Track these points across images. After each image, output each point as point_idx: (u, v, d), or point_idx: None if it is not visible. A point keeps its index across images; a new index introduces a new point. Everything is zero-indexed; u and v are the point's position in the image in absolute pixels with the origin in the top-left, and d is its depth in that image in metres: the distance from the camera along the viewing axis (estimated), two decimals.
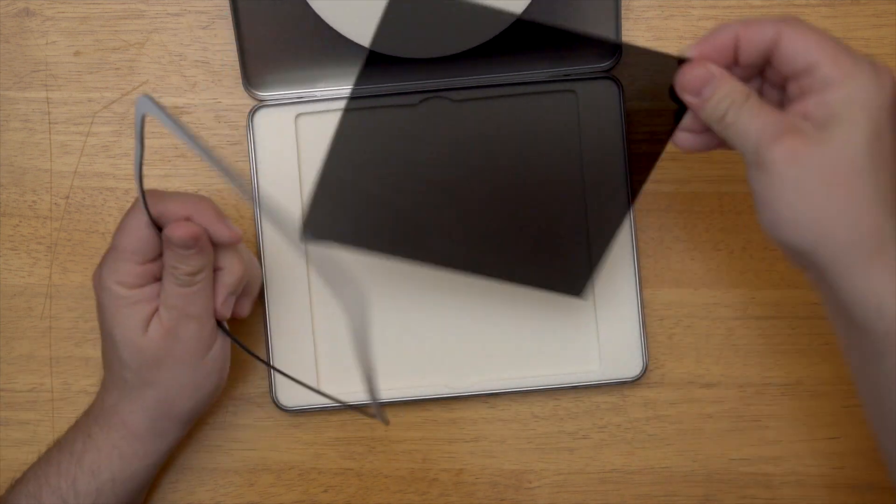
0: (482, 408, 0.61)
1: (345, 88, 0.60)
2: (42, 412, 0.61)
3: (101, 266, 0.53)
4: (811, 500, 0.61)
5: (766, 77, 0.49)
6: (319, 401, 0.60)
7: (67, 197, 0.61)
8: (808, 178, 0.45)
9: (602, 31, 0.58)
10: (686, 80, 0.47)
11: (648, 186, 0.60)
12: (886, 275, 0.44)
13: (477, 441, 0.61)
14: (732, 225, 0.61)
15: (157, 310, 0.53)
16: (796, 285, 0.61)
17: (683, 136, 0.50)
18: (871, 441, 0.60)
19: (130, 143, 0.61)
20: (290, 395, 0.60)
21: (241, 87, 0.60)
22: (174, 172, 0.61)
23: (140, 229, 0.52)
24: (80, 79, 0.61)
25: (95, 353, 0.61)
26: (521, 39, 0.58)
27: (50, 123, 0.61)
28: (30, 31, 0.60)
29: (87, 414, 0.56)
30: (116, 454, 0.55)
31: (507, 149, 0.59)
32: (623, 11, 0.59)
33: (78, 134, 0.61)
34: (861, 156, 0.44)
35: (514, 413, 0.61)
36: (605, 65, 0.60)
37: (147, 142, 0.61)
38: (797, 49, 0.45)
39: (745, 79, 0.48)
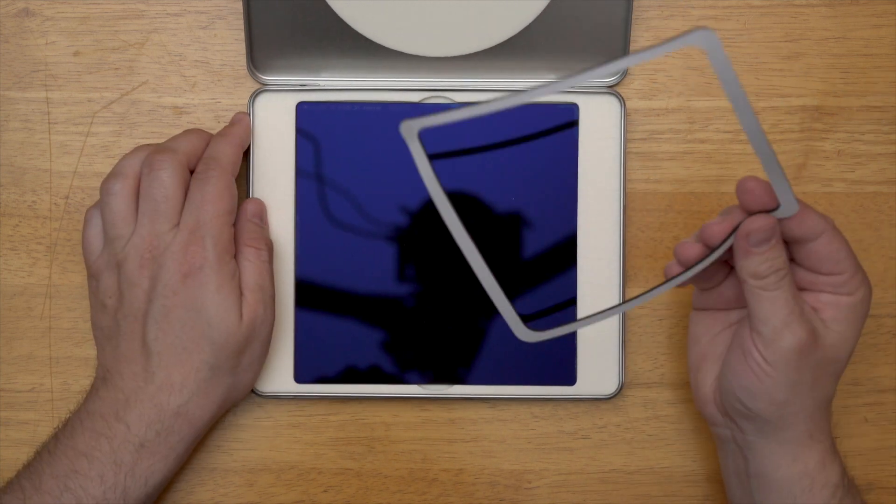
0: (482, 408, 0.61)
1: (349, 80, 0.60)
2: (42, 412, 0.61)
3: (198, 242, 0.53)
4: None
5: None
6: (293, 389, 0.60)
7: (67, 197, 0.61)
8: (804, 367, 0.50)
9: (610, 39, 0.58)
10: (755, 227, 0.49)
11: (648, 186, 0.61)
12: (820, 451, 0.52)
13: (476, 441, 0.61)
14: None
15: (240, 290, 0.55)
16: None
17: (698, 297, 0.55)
18: (871, 441, 0.61)
19: (130, 143, 0.61)
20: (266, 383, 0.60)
21: (240, 88, 0.60)
22: None
23: (230, 189, 0.55)
24: (79, 79, 0.61)
25: (95, 352, 0.61)
26: (529, 47, 0.58)
27: (50, 123, 0.61)
28: (30, 31, 0.61)
29: (127, 422, 0.53)
30: (174, 456, 0.54)
31: (502, 158, 0.59)
32: None
33: (78, 134, 0.61)
34: (846, 356, 0.52)
35: (514, 413, 0.61)
36: (610, 80, 0.60)
37: (146, 141, 0.61)
38: (831, 252, 0.50)
39: None
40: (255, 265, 0.55)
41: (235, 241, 0.56)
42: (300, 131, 0.60)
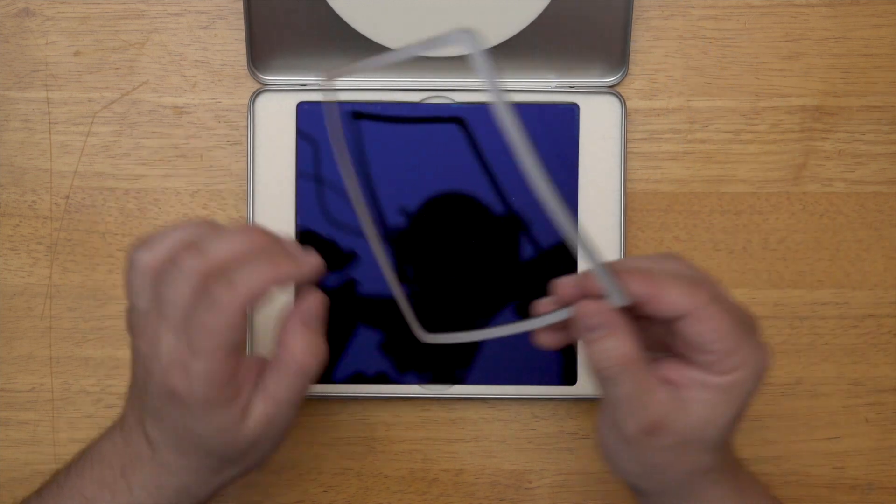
0: (482, 408, 0.61)
1: (349, 80, 0.60)
2: (42, 412, 0.61)
3: (183, 372, 0.45)
4: (811, 500, 0.61)
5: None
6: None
7: (67, 197, 0.61)
8: (653, 450, 0.46)
9: (610, 39, 0.59)
10: (581, 312, 0.45)
11: (648, 186, 0.61)
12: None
13: (477, 441, 0.61)
14: (732, 225, 0.61)
15: (250, 394, 0.47)
16: (796, 285, 0.61)
17: (545, 336, 0.49)
18: (871, 441, 0.61)
19: (130, 142, 0.61)
20: None
21: (241, 88, 0.60)
22: (174, 172, 0.61)
23: (235, 325, 0.44)
24: (80, 79, 0.61)
25: (95, 353, 0.61)
26: (529, 47, 0.58)
27: (50, 123, 0.61)
28: (30, 31, 0.61)
29: (130, 484, 0.49)
30: None
31: (501, 157, 0.59)
32: None
33: (78, 134, 0.61)
34: (717, 434, 0.46)
35: (515, 413, 0.61)
36: (610, 80, 0.60)
37: (146, 141, 0.61)
38: (698, 334, 0.44)
39: None
40: (287, 380, 0.47)
41: (278, 340, 0.48)
42: (300, 131, 0.60)
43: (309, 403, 0.61)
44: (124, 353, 0.61)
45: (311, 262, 0.47)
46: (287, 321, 0.48)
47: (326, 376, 0.60)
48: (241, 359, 0.46)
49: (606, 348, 0.45)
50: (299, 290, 0.49)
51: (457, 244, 0.59)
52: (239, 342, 0.45)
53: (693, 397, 0.45)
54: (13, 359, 0.61)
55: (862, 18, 0.60)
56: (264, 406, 0.47)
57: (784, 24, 0.60)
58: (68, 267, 0.61)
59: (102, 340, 0.61)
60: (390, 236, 0.59)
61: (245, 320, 0.45)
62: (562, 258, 0.59)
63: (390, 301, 0.59)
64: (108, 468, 0.51)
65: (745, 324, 0.45)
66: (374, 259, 0.59)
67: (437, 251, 0.59)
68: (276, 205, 0.59)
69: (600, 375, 0.45)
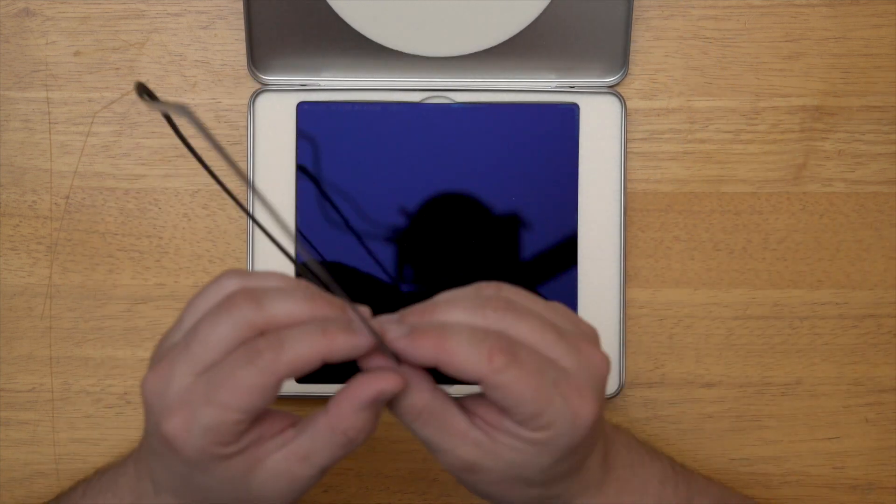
0: None
1: (349, 80, 0.60)
2: (42, 412, 0.61)
3: (187, 418, 0.41)
4: (811, 500, 0.61)
5: None
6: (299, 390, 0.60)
7: (67, 197, 0.61)
8: (477, 483, 0.44)
9: (610, 39, 0.59)
10: (368, 369, 0.43)
11: (648, 186, 0.61)
12: None
13: None
14: (732, 225, 0.61)
15: (269, 449, 0.43)
16: (796, 285, 0.61)
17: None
18: (871, 441, 0.61)
19: (130, 142, 0.61)
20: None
21: (241, 88, 0.60)
22: (174, 172, 0.61)
23: (268, 389, 0.41)
24: (80, 79, 0.61)
25: (95, 353, 0.61)
26: (529, 47, 0.58)
27: (50, 123, 0.61)
28: (30, 31, 0.61)
29: None
30: None
31: (502, 158, 0.59)
32: None
33: (78, 134, 0.61)
34: (539, 474, 0.44)
35: None
36: (610, 80, 0.60)
37: (146, 141, 0.61)
38: (498, 399, 0.42)
39: None
40: (331, 450, 0.43)
41: (334, 404, 0.44)
42: (300, 131, 0.60)
43: (308, 403, 0.61)
44: (124, 353, 0.61)
45: (357, 340, 0.42)
46: (353, 391, 0.43)
47: (326, 376, 0.60)
48: (259, 422, 0.43)
49: (408, 404, 0.43)
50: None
51: (457, 244, 0.59)
52: (263, 409, 0.42)
53: (506, 443, 0.43)
54: (13, 359, 0.61)
55: (862, 18, 0.60)
56: (288, 464, 0.43)
57: (784, 24, 0.60)
58: (68, 267, 0.61)
59: (102, 340, 0.61)
60: (391, 236, 0.59)
61: (279, 388, 0.41)
62: (562, 258, 0.59)
63: (390, 300, 0.59)
64: (118, 501, 0.50)
65: (555, 381, 0.42)
66: (372, 258, 0.59)
67: (437, 251, 0.59)
68: (275, 205, 0.59)
69: (414, 429, 0.44)
